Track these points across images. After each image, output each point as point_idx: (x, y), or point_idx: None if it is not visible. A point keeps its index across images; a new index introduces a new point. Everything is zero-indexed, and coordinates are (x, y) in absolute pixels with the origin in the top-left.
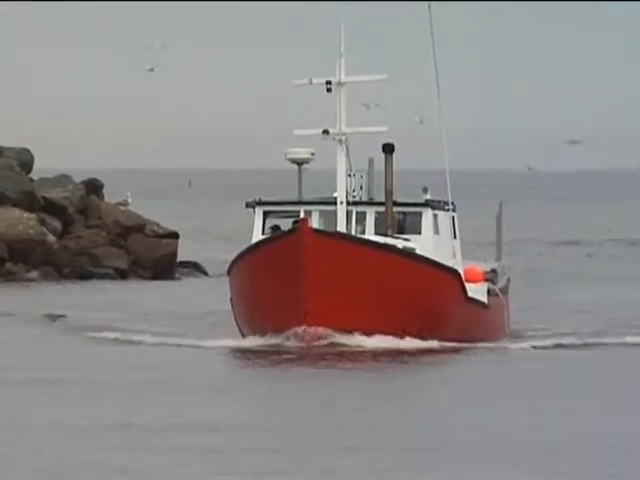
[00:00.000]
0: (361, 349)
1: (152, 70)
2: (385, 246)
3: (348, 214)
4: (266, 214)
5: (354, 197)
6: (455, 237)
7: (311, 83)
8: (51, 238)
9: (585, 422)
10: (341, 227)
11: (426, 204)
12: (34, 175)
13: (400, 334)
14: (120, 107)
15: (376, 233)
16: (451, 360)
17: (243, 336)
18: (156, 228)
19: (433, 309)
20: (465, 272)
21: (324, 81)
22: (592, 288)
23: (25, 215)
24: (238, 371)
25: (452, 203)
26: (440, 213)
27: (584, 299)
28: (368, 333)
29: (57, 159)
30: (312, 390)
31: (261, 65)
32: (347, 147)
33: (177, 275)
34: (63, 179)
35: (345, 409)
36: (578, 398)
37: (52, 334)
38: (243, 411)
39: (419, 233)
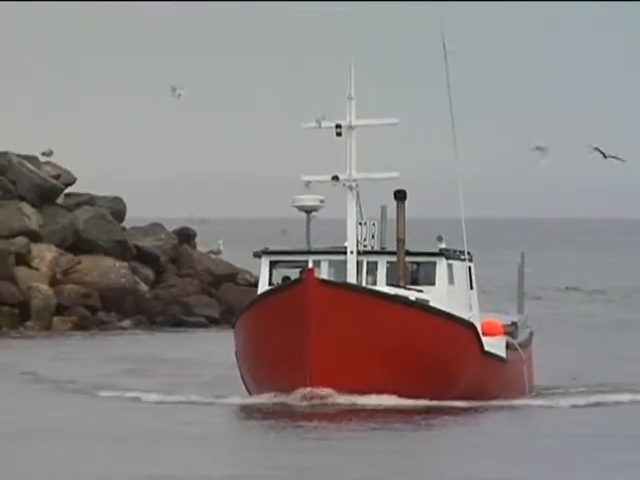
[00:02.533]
0: (370, 408)
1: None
2: (396, 298)
3: (359, 264)
4: (273, 264)
5: (365, 246)
6: (472, 288)
7: (320, 127)
8: (143, 287)
9: None
10: (351, 278)
11: (440, 253)
12: (126, 224)
13: (412, 393)
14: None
15: (388, 284)
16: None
17: (249, 393)
18: (248, 277)
19: (447, 364)
20: (483, 325)
21: (334, 125)
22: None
23: (117, 264)
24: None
25: (468, 253)
26: (455, 263)
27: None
28: (377, 393)
29: (149, 208)
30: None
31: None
32: (358, 194)
33: None
34: (155, 228)
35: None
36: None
37: None
38: None
39: (433, 284)
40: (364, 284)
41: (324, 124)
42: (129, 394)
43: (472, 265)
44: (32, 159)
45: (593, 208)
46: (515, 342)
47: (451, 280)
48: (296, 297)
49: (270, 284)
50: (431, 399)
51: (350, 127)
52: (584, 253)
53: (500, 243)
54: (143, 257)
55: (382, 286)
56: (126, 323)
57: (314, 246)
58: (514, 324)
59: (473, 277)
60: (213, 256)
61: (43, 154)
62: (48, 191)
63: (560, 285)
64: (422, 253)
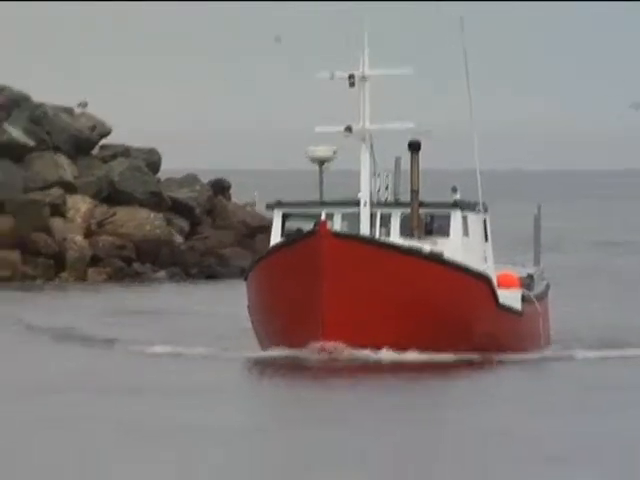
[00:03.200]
0: (382, 361)
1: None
2: (409, 250)
3: (372, 216)
4: (286, 216)
5: (379, 198)
6: (487, 240)
7: (333, 77)
8: (178, 238)
9: None
10: (364, 230)
11: (455, 205)
12: (161, 175)
13: (426, 346)
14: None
15: (401, 236)
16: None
17: (261, 347)
18: None
19: (461, 317)
20: (498, 278)
21: (347, 75)
22: None
23: (152, 215)
24: None
25: (483, 204)
26: (470, 214)
27: None
28: (390, 346)
29: (185, 159)
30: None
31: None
32: (371, 145)
33: None
34: (190, 179)
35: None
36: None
37: None
38: None
39: (447, 236)
40: (377, 236)
41: (337, 74)
42: (142, 347)
43: (487, 217)
44: (68, 110)
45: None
46: (531, 294)
47: (466, 232)
48: (308, 249)
49: (283, 236)
50: (445, 352)
51: (363, 77)
52: (608, 206)
53: (520, 195)
54: (178, 209)
55: (396, 238)
56: (161, 274)
57: (327, 198)
58: (530, 276)
59: (488, 229)
60: (248, 208)
61: (78, 105)
62: (83, 142)
63: (582, 238)
64: (436, 204)
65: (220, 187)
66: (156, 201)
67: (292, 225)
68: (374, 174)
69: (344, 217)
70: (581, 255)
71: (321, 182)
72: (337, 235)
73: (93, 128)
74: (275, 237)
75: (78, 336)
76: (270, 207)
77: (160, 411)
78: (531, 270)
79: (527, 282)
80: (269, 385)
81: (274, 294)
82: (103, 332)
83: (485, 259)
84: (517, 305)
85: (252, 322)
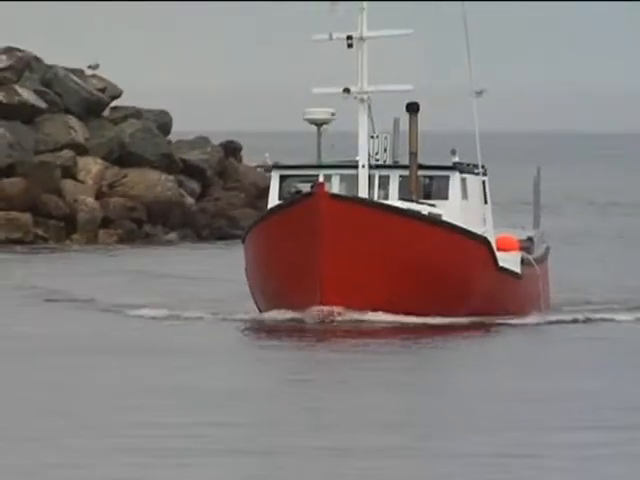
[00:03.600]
0: (381, 325)
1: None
2: (408, 212)
3: (370, 178)
4: (283, 178)
5: (377, 160)
6: (486, 203)
7: (331, 38)
8: (189, 200)
9: None
10: (363, 192)
11: (454, 167)
12: (172, 137)
13: (424, 309)
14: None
15: (400, 198)
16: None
17: (259, 310)
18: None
19: (460, 280)
20: (497, 240)
21: (345, 36)
22: None
23: (163, 177)
24: None
25: (482, 166)
26: (469, 177)
27: None
28: (388, 309)
29: (195, 121)
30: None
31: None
32: (370, 107)
33: None
34: (201, 141)
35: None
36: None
37: None
38: None
39: (446, 198)
40: (376, 198)
41: (335, 35)
42: (136, 310)
43: (486, 179)
44: (78, 72)
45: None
46: (530, 257)
47: (465, 194)
48: (306, 211)
49: (280, 199)
50: (444, 315)
51: (361, 38)
52: (616, 168)
53: (522, 158)
54: (189, 170)
55: (394, 200)
56: (172, 236)
57: (325, 160)
58: (530, 239)
59: (487, 191)
60: (261, 170)
61: (89, 67)
62: (94, 104)
63: (584, 199)
64: (435, 167)
65: (231, 149)
66: (167, 163)
67: (289, 187)
68: (372, 136)
69: (342, 179)
70: (581, 217)
71: (319, 144)
72: (335, 197)
73: (104, 90)
74: (272, 199)
75: (68, 299)
76: (268, 170)
77: (150, 371)
78: (531, 233)
79: (527, 245)
80: (265, 348)
81: (271, 256)
82: (100, 295)
83: (484, 222)
84: (516, 268)
85: (249, 285)
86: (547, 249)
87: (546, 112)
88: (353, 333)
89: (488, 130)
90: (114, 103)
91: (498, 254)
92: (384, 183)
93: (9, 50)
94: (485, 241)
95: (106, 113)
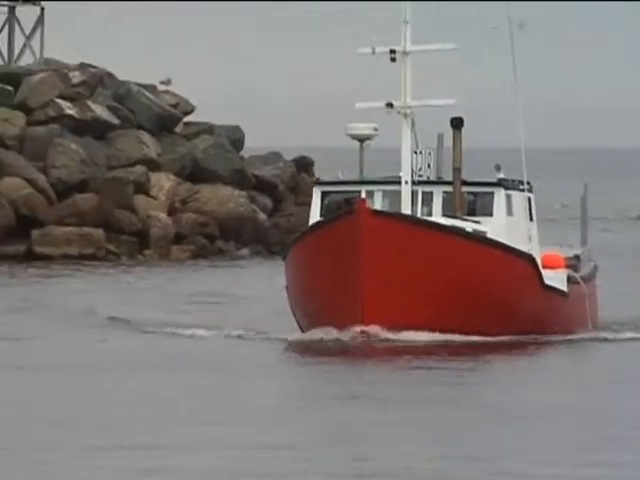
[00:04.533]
0: (423, 344)
1: None
2: (452, 229)
3: (413, 194)
4: (325, 194)
5: (420, 176)
6: (532, 220)
7: (374, 52)
8: (262, 216)
9: None
10: (406, 208)
11: (499, 183)
12: (245, 153)
13: (469, 329)
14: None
15: (444, 215)
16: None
17: (301, 329)
18: None
19: (505, 299)
20: (543, 258)
21: (388, 50)
22: None
23: (236, 193)
24: None
25: (528, 183)
26: (514, 193)
27: None
28: (431, 329)
29: (267, 137)
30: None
31: None
32: (413, 122)
33: None
34: (273, 156)
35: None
36: None
37: None
38: None
39: (491, 215)
40: (419, 215)
41: (378, 49)
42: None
43: (532, 196)
44: (151, 88)
45: None
46: (577, 275)
47: (510, 211)
48: (347, 228)
49: (322, 215)
50: (488, 335)
51: (405, 53)
52: None
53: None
54: (261, 186)
55: (438, 217)
56: (244, 252)
57: (367, 176)
58: (576, 257)
59: (533, 208)
60: None
61: (161, 83)
62: (167, 120)
63: (632, 215)
64: (479, 183)
65: (303, 164)
66: (239, 178)
67: (332, 204)
68: (416, 152)
69: (385, 195)
70: (630, 235)
71: (361, 160)
72: (376, 213)
73: (176, 105)
74: (314, 216)
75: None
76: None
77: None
78: (578, 251)
79: (573, 263)
80: (306, 364)
81: (312, 274)
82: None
83: (530, 239)
84: (562, 286)
85: (290, 303)
86: (595, 267)
87: (593, 128)
88: (396, 351)
89: (534, 146)
90: (187, 119)
91: (544, 272)
92: (427, 199)
93: (82, 66)
94: (530, 259)
95: (179, 129)
